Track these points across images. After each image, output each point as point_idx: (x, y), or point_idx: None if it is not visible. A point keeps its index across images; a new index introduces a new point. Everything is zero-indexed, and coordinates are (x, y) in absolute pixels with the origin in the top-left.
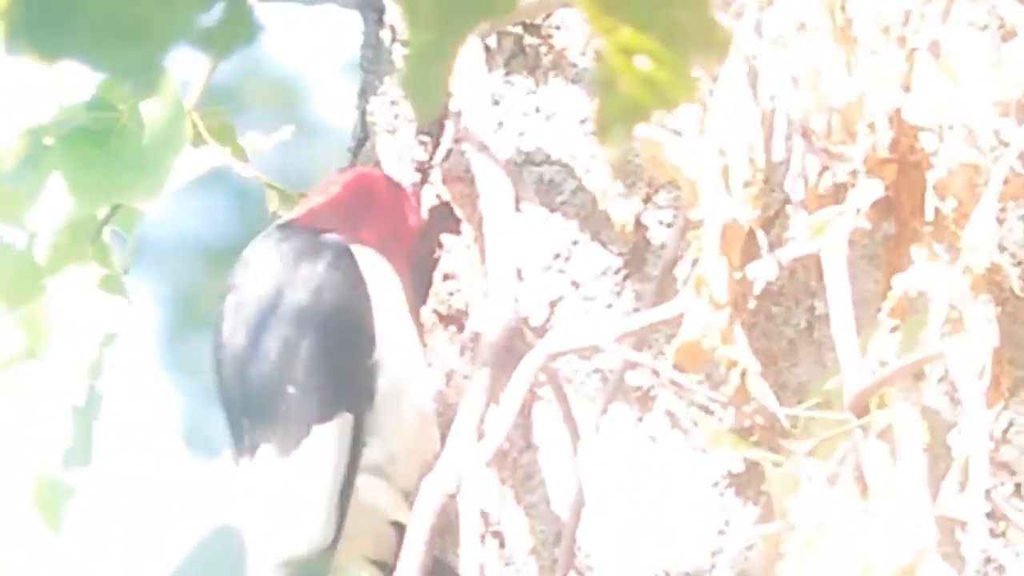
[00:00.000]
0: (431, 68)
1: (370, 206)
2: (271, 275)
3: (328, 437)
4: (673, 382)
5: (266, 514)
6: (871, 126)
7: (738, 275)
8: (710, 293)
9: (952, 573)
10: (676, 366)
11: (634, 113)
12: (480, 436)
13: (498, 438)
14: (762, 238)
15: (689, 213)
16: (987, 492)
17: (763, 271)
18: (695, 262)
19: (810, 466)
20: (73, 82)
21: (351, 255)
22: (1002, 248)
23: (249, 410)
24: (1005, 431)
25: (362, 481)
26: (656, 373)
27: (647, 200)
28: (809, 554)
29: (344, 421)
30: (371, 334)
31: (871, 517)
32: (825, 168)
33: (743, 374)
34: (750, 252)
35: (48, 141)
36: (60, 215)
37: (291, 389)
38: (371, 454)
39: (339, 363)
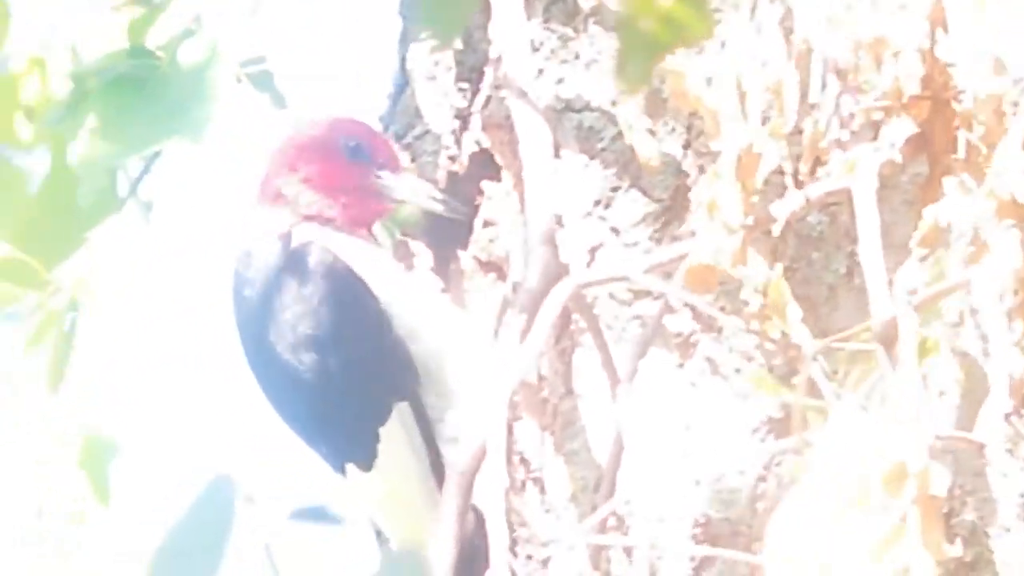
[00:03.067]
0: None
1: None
2: (270, 312)
3: (395, 433)
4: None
5: (380, 518)
6: (903, 63)
7: (755, 199)
8: (723, 216)
9: (943, 472)
10: (686, 287)
11: (652, 51)
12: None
13: (526, 367)
14: (788, 173)
15: (712, 144)
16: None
17: (789, 204)
18: (710, 186)
19: (839, 394)
20: (110, 29)
21: (331, 255)
22: None
23: (320, 438)
24: None
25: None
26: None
27: (686, 146)
28: (815, 468)
29: (401, 410)
30: (383, 317)
31: (875, 428)
32: (859, 107)
33: (765, 294)
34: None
35: (91, 85)
36: (102, 162)
37: (342, 408)
38: (450, 426)
39: (369, 361)
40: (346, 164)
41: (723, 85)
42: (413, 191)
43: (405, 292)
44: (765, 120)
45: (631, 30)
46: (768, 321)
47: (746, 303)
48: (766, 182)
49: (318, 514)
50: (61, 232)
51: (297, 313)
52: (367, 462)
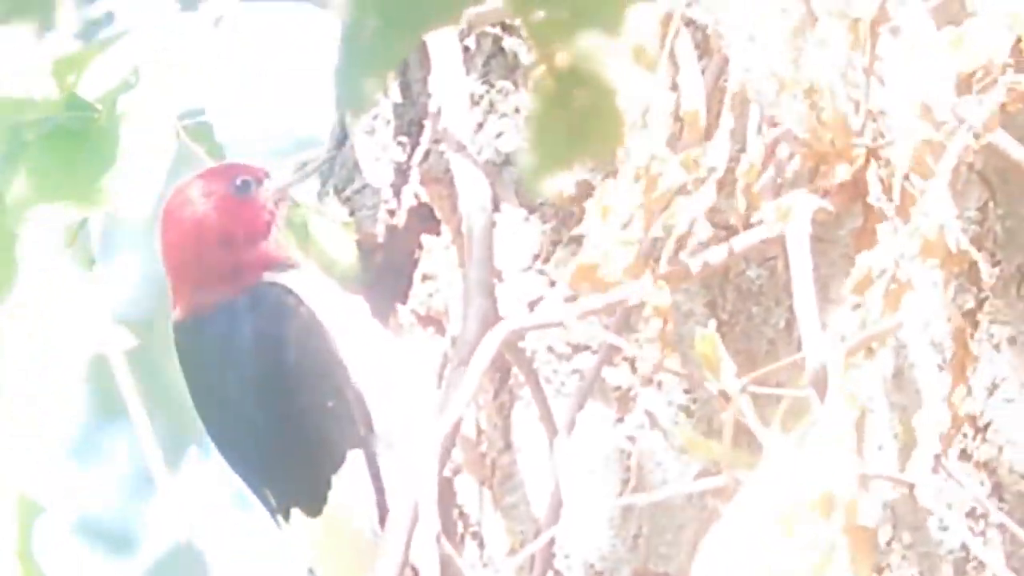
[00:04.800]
0: (364, 75)
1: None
2: (229, 352)
3: (348, 480)
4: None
5: (324, 566)
6: (838, 112)
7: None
8: (615, 221)
9: (869, 508)
10: (571, 286)
11: (563, 162)
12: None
13: (457, 413)
14: (701, 218)
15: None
16: (963, 487)
17: (714, 254)
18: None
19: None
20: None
21: (291, 295)
22: (981, 247)
23: (267, 483)
24: (984, 430)
25: None
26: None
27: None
28: (744, 495)
29: (355, 457)
30: (341, 364)
31: (802, 460)
32: (792, 153)
33: (664, 321)
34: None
35: (28, 137)
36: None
37: (294, 452)
38: (392, 481)
39: (323, 407)
40: (240, 205)
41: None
42: (282, 180)
43: (362, 338)
44: (677, 149)
45: (545, 136)
46: (668, 348)
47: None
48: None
49: None
50: None
51: (257, 354)
52: (316, 507)
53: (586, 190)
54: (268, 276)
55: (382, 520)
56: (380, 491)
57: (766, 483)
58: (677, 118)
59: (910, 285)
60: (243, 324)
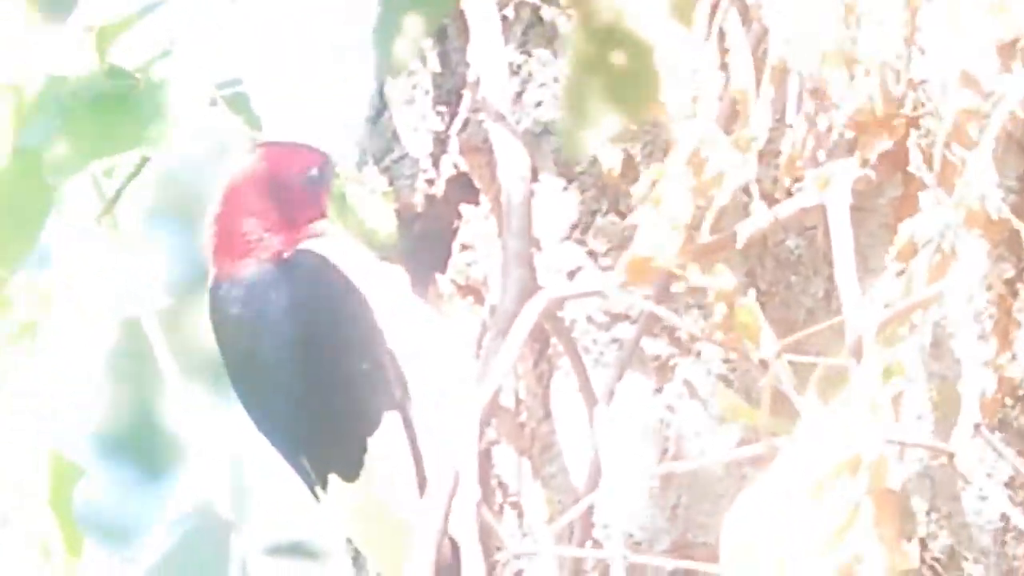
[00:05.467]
0: (403, 36)
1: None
2: (264, 317)
3: (383, 443)
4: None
5: (359, 537)
6: (878, 81)
7: (702, 202)
8: (667, 211)
9: (900, 465)
10: (625, 280)
11: (601, 124)
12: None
13: (497, 381)
14: (755, 191)
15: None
16: (1004, 457)
17: (757, 221)
18: (653, 182)
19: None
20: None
21: (325, 261)
22: (1021, 215)
23: (304, 450)
24: (1023, 400)
25: None
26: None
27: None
28: (777, 467)
29: (391, 419)
30: (377, 329)
31: (832, 422)
32: (832, 124)
33: (730, 305)
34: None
35: (68, 104)
36: (73, 170)
37: (330, 416)
38: (431, 448)
39: (359, 371)
40: (306, 195)
41: (677, 87)
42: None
43: (400, 306)
44: (730, 131)
45: (582, 100)
46: (732, 333)
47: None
48: (740, 203)
49: (295, 548)
50: (19, 235)
51: (292, 319)
52: (353, 472)
53: (628, 164)
54: (304, 244)
55: (420, 484)
56: (417, 455)
57: (798, 449)
58: (722, 96)
59: (955, 255)
60: (278, 290)
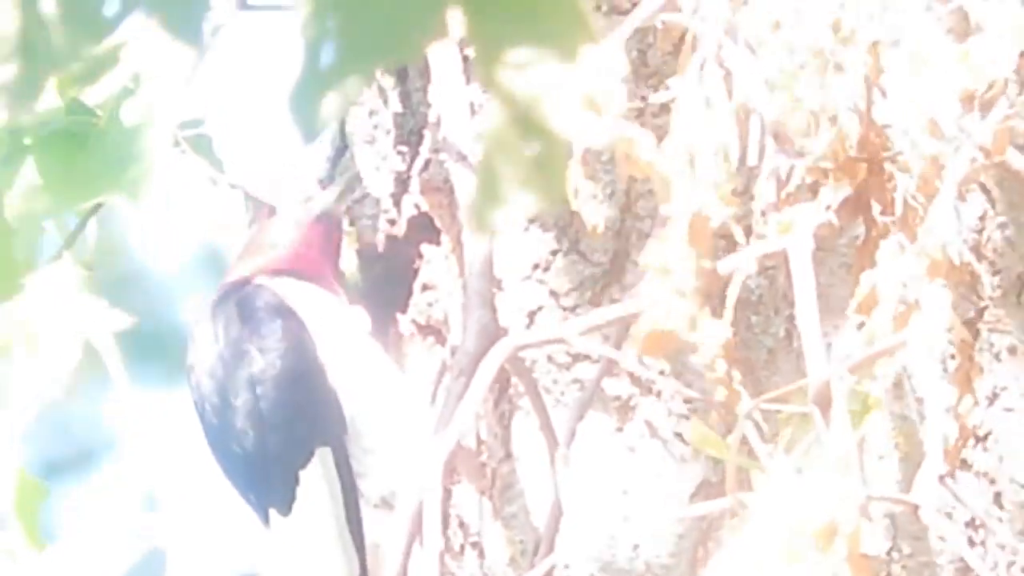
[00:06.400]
0: (319, 97)
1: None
2: (214, 351)
3: (315, 477)
4: (633, 376)
5: (295, 570)
6: (839, 125)
7: (707, 263)
8: (674, 282)
9: (877, 531)
10: (643, 354)
11: (509, 205)
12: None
13: (462, 429)
14: (739, 234)
15: (662, 209)
16: (962, 500)
17: (739, 264)
18: (657, 252)
19: (776, 459)
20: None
21: (277, 299)
22: (981, 256)
23: (249, 484)
24: (984, 439)
25: (374, 517)
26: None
27: (625, 209)
28: (749, 524)
29: (323, 454)
30: (318, 365)
31: (807, 485)
32: (793, 168)
33: (729, 357)
34: (729, 251)
35: (27, 141)
36: (38, 212)
37: (268, 450)
38: (372, 485)
39: (295, 404)
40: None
41: (674, 149)
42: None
43: (347, 344)
44: (714, 185)
45: (489, 184)
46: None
47: (689, 366)
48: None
49: None
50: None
51: (237, 351)
52: (286, 506)
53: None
54: (259, 279)
55: (352, 523)
56: (349, 492)
57: (769, 509)
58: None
59: (917, 306)
60: (227, 324)
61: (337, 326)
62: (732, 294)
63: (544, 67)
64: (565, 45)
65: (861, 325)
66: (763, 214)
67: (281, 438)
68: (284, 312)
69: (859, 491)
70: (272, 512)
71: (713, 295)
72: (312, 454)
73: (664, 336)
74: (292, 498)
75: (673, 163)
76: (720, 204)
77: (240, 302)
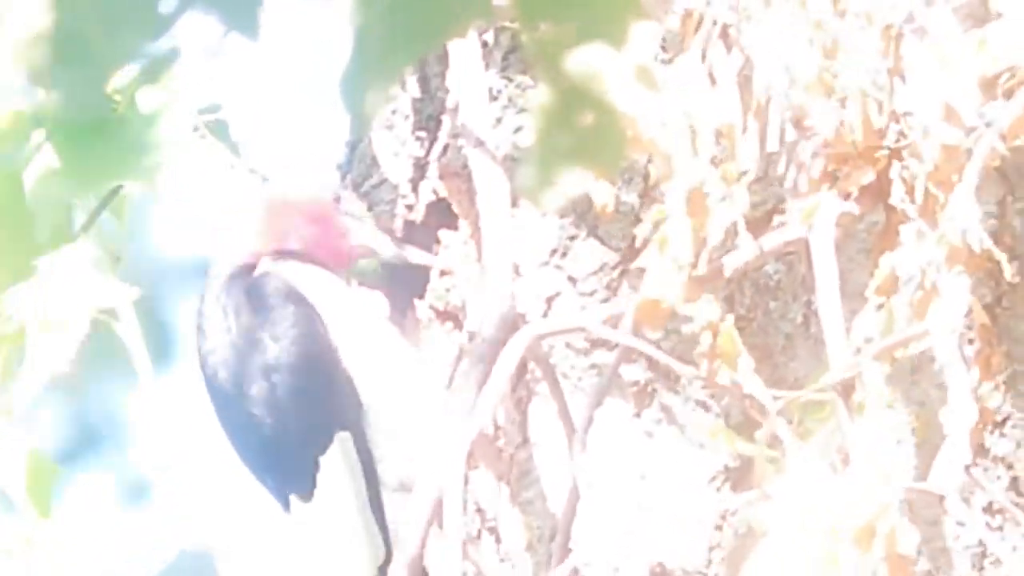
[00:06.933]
0: (367, 84)
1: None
2: (227, 339)
3: (335, 462)
4: (651, 361)
5: (319, 555)
6: (860, 113)
7: (704, 235)
8: (672, 253)
9: (911, 529)
10: (636, 324)
11: (565, 173)
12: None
13: (484, 419)
14: (741, 223)
15: (663, 187)
16: (981, 484)
17: (744, 253)
18: (656, 224)
19: (796, 447)
20: None
21: (287, 286)
22: (1000, 242)
23: (267, 469)
24: (1002, 424)
25: (391, 501)
26: (648, 359)
27: (643, 195)
28: (782, 523)
29: (342, 439)
30: (332, 351)
31: (841, 485)
32: (816, 156)
33: (715, 334)
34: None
35: (46, 126)
36: (57, 196)
37: (286, 437)
38: (390, 469)
39: (312, 391)
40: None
41: (675, 126)
42: (377, 241)
43: (361, 328)
44: (718, 164)
45: (547, 153)
46: (717, 362)
47: (697, 343)
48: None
49: None
50: (13, 258)
51: (250, 340)
52: (307, 492)
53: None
54: (266, 263)
55: (375, 506)
56: (371, 475)
57: (798, 504)
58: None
59: (936, 291)
60: (240, 309)
61: (348, 310)
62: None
63: (594, 44)
64: (615, 22)
65: (880, 307)
66: (779, 203)
67: (299, 425)
68: (295, 299)
69: (895, 490)
70: (293, 498)
71: (717, 274)
72: (331, 439)
73: (655, 306)
74: (313, 484)
75: (673, 140)
76: (721, 181)
77: (250, 290)
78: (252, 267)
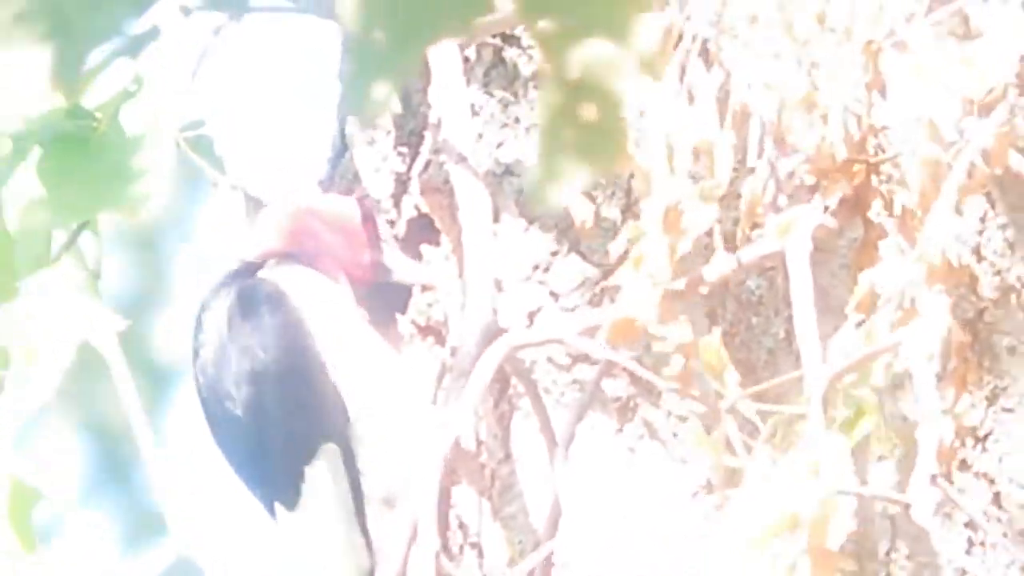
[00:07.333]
0: (373, 84)
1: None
2: (216, 343)
3: (321, 472)
4: (632, 376)
5: (304, 564)
6: (837, 127)
7: (678, 255)
8: (648, 271)
9: (844, 525)
10: (609, 342)
11: (569, 174)
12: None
13: (460, 428)
14: (716, 234)
15: (642, 203)
16: (956, 502)
17: (720, 266)
18: (631, 240)
19: (770, 457)
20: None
21: (280, 293)
22: (981, 256)
23: (253, 477)
24: (984, 440)
25: (375, 515)
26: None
27: (625, 210)
28: (741, 516)
29: (328, 450)
30: (319, 362)
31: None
32: (794, 169)
33: (687, 355)
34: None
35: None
36: (38, 221)
37: (271, 445)
38: (375, 483)
39: (299, 402)
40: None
41: (651, 144)
42: (407, 271)
43: (350, 340)
44: (696, 181)
45: (553, 148)
46: (688, 384)
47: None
48: (700, 244)
49: None
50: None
51: (239, 347)
52: (292, 501)
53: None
54: (262, 272)
55: (359, 517)
56: (356, 486)
57: (745, 501)
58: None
59: (916, 311)
60: (230, 316)
61: (341, 321)
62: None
63: (598, 36)
64: (617, 15)
65: (860, 324)
66: (757, 217)
67: (283, 434)
68: (285, 307)
69: (826, 486)
70: (278, 506)
71: (694, 290)
72: (316, 450)
73: (629, 325)
74: (297, 493)
75: (651, 156)
76: (700, 201)
77: (242, 295)
78: (257, 267)
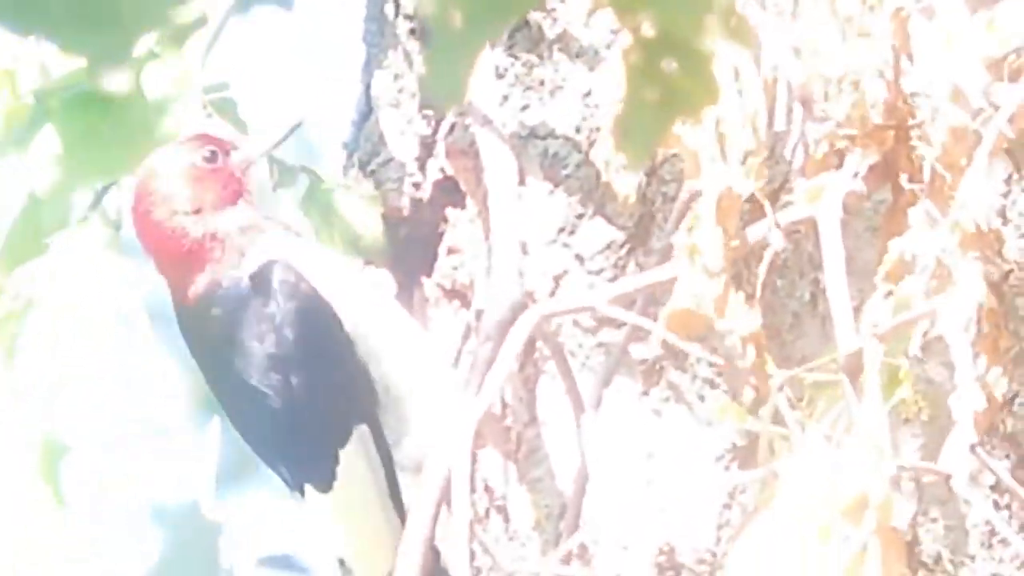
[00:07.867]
0: (455, 68)
1: None
2: (239, 329)
3: (354, 455)
4: (666, 344)
5: (339, 545)
6: (867, 93)
7: (735, 243)
8: (703, 261)
9: (900, 502)
10: (669, 330)
11: (657, 122)
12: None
13: (490, 397)
14: (768, 209)
15: (688, 183)
16: (988, 464)
17: (769, 240)
18: (691, 230)
19: (806, 427)
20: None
21: (297, 278)
22: (1006, 219)
23: (281, 459)
24: (1010, 403)
25: (407, 482)
26: (659, 340)
27: (651, 173)
28: (782, 499)
29: (360, 433)
30: (346, 342)
31: (838, 460)
32: (824, 135)
33: (758, 347)
34: (754, 222)
35: (53, 104)
36: (62, 188)
37: (303, 429)
38: (406, 452)
39: (330, 383)
40: (207, 174)
41: (703, 124)
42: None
43: (371, 313)
44: (745, 159)
45: (636, 100)
46: (763, 376)
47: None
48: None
49: (285, 562)
50: (20, 237)
51: (261, 334)
52: (326, 483)
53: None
54: (272, 254)
55: (393, 495)
56: (389, 465)
57: (799, 481)
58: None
59: (951, 279)
60: (246, 307)
61: (359, 294)
62: (761, 272)
63: None
64: None
65: (889, 293)
66: (789, 181)
67: (318, 418)
68: (302, 289)
69: (890, 464)
70: (308, 488)
71: (739, 263)
72: (350, 432)
73: (690, 316)
74: (332, 476)
75: (701, 136)
76: (747, 178)
77: (257, 283)
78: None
